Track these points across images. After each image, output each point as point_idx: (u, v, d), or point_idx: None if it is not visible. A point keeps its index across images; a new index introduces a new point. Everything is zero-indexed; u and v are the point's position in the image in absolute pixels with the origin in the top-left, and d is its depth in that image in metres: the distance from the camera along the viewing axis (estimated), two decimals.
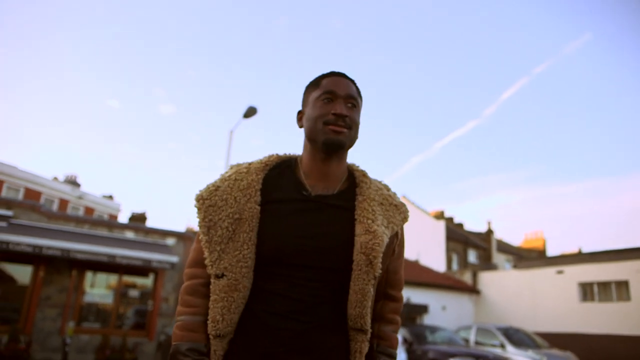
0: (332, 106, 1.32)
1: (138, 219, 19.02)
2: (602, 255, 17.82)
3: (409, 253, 24.13)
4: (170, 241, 14.13)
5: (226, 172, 1.39)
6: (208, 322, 1.22)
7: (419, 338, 12.08)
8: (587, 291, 17.62)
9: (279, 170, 1.38)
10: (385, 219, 1.35)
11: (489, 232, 33.09)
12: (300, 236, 1.24)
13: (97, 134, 58.04)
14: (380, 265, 1.25)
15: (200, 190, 1.33)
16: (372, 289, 1.26)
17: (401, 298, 1.45)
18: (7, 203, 12.29)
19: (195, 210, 1.30)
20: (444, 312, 18.78)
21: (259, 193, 1.30)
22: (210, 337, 1.21)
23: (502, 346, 12.36)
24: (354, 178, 1.42)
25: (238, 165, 1.40)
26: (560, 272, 18.32)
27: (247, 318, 1.23)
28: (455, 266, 29.07)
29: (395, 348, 1.39)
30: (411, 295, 17.91)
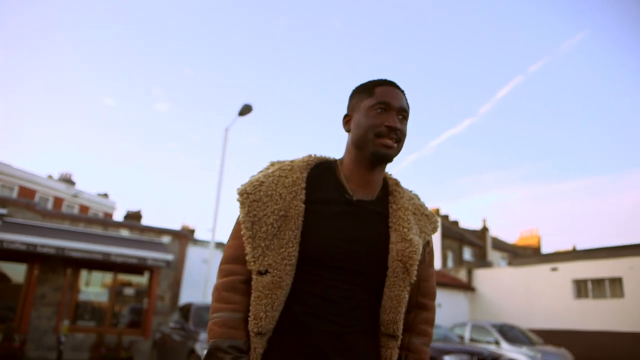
0: (385, 118, 1.32)
1: (133, 217, 18.98)
2: (596, 252, 17.91)
3: None
4: (166, 239, 14.11)
5: (268, 169, 1.38)
6: (250, 319, 1.21)
7: None
8: (581, 288, 17.72)
9: (319, 171, 1.38)
10: (418, 228, 1.38)
11: (484, 229, 33.21)
12: (341, 239, 1.25)
13: (93, 132, 57.83)
14: (415, 272, 1.29)
15: (243, 185, 1.31)
16: (407, 295, 1.30)
17: (433, 307, 1.44)
18: (2, 201, 12.24)
19: (238, 204, 1.28)
20: (439, 309, 18.83)
21: (304, 191, 1.30)
22: (252, 334, 1.20)
23: (497, 343, 12.42)
24: (387, 186, 1.44)
25: (280, 162, 1.40)
26: (554, 269, 18.40)
27: (285, 317, 1.23)
28: (450, 263, 29.16)
29: None
30: None
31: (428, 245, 1.41)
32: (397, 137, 1.32)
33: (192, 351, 7.16)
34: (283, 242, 1.23)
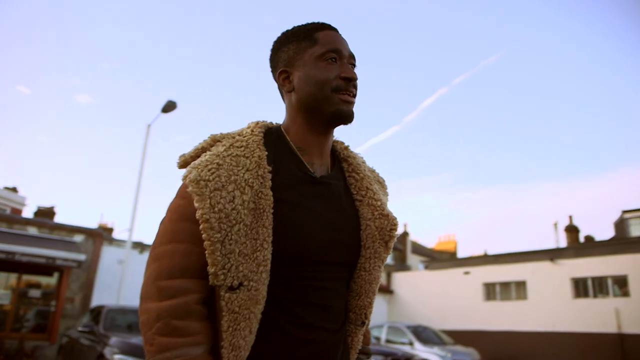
0: (340, 68, 1.12)
1: (45, 214, 17.85)
2: (504, 257, 19.17)
3: None
4: (78, 238, 13.41)
5: (215, 146, 1.07)
6: (224, 350, 0.94)
7: None
8: (490, 291, 18.84)
9: (272, 144, 1.12)
10: (382, 195, 1.23)
11: (405, 234, 34.37)
12: (321, 228, 1.05)
13: (3, 122, 53.71)
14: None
15: (191, 171, 0.98)
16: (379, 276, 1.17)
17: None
18: None
19: (195, 197, 0.96)
20: None
21: (270, 175, 1.04)
22: None
23: (411, 344, 12.93)
24: (335, 151, 1.25)
25: (224, 135, 1.10)
26: (467, 273, 19.43)
27: (265, 335, 1.00)
28: None
29: (369, 343, 1.28)
30: None
31: None
32: (355, 89, 1.14)
33: (101, 356, 6.85)
34: (257, 243, 0.97)
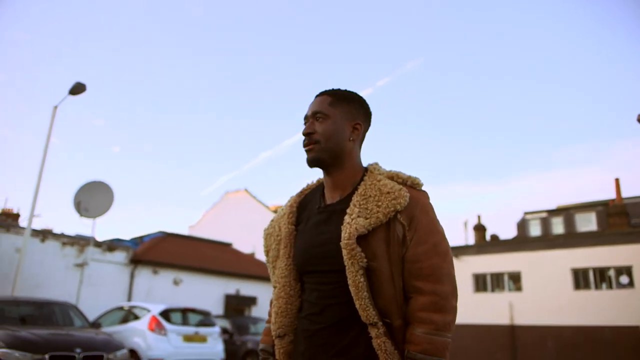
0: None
1: None
2: None
3: (244, 246, 24.50)
4: None
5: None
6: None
7: (240, 329, 12.36)
8: None
9: (311, 193, 1.60)
10: (366, 209, 1.35)
11: None
12: (312, 246, 1.43)
13: None
14: (360, 255, 1.30)
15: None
16: (363, 280, 1.29)
17: (435, 291, 1.30)
18: None
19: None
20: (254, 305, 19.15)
21: (293, 216, 1.54)
22: (274, 338, 1.49)
23: None
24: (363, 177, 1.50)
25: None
26: None
27: (298, 322, 1.47)
28: None
29: (433, 353, 1.25)
30: (241, 287, 18.22)
31: (400, 223, 1.34)
32: (312, 139, 1.46)
33: None
34: (281, 260, 1.50)
